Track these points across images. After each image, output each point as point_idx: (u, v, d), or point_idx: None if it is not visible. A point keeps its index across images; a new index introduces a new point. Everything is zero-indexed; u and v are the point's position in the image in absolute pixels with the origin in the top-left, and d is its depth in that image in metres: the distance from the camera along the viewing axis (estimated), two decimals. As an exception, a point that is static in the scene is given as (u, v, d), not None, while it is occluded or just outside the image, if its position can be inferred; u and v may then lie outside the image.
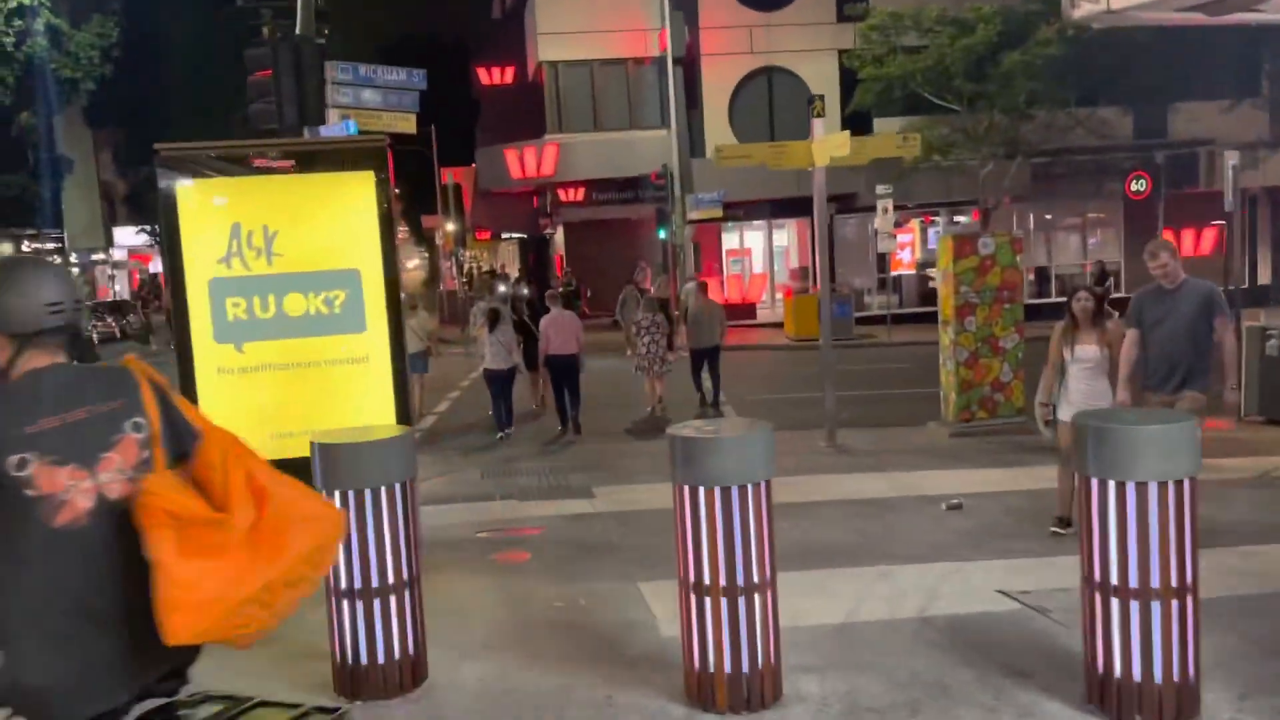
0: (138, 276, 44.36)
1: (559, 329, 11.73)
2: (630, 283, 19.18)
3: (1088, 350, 6.44)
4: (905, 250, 26.25)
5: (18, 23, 29.14)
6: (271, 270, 6.68)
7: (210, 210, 6.66)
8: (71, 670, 2.19)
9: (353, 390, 6.89)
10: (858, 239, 26.54)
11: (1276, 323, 10.88)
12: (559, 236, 29.19)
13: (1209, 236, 27.10)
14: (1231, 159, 13.37)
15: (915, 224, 26.75)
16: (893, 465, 9.11)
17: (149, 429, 2.34)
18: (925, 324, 24.52)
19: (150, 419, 2.34)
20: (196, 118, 30.33)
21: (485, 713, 4.23)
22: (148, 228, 41.56)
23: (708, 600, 3.90)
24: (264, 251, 6.66)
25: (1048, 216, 27.28)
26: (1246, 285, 22.87)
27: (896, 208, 22.06)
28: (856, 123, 22.05)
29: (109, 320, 33.27)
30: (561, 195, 27.02)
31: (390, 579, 4.17)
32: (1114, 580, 3.67)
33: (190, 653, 2.39)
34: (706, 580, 3.89)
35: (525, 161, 26.62)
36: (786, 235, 27.86)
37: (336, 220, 6.82)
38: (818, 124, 10.32)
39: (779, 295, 26.71)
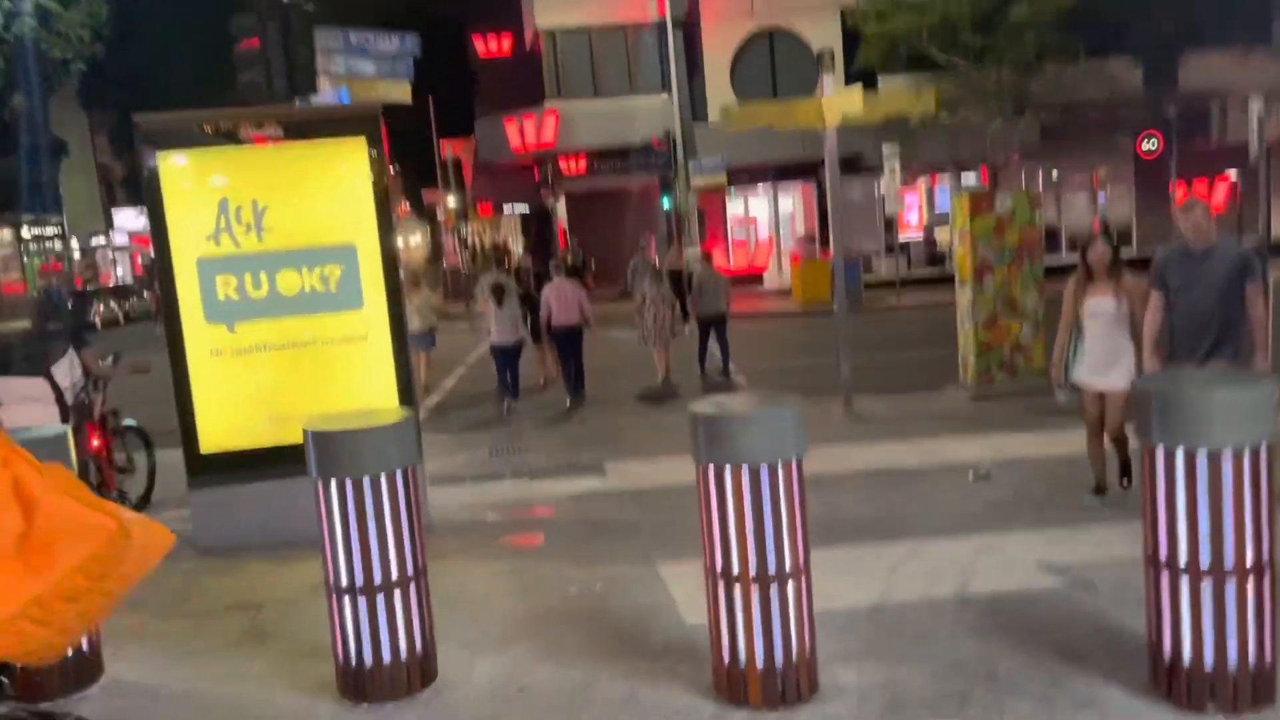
0: (139, 260, 44.01)
1: (561, 298, 11.52)
2: (640, 251, 18.83)
3: (1104, 302, 6.05)
4: (912, 212, 25.80)
5: (6, 4, 28.67)
6: (263, 247, 6.38)
7: (196, 185, 6.34)
8: None
9: (352, 370, 6.60)
10: (864, 202, 26.04)
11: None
12: (561, 208, 28.77)
13: (1221, 189, 26.59)
14: (1257, 106, 12.89)
15: (921, 184, 26.27)
16: (914, 432, 8.79)
17: None
18: (934, 287, 24.14)
19: None
20: (193, 97, 29.87)
21: (500, 715, 3.94)
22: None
23: (737, 589, 3.60)
24: (254, 227, 6.36)
25: (1056, 174, 26.77)
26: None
27: (902, 168, 21.62)
28: (861, 83, 21.52)
29: (113, 305, 33.03)
30: (563, 166, 26.57)
31: (394, 574, 3.88)
32: (1183, 559, 3.36)
33: None
34: (735, 568, 3.59)
35: (525, 132, 26.16)
36: (792, 200, 27.40)
37: (329, 192, 6.50)
38: (827, 80, 9.92)
39: (786, 261, 26.30)
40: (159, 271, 6.37)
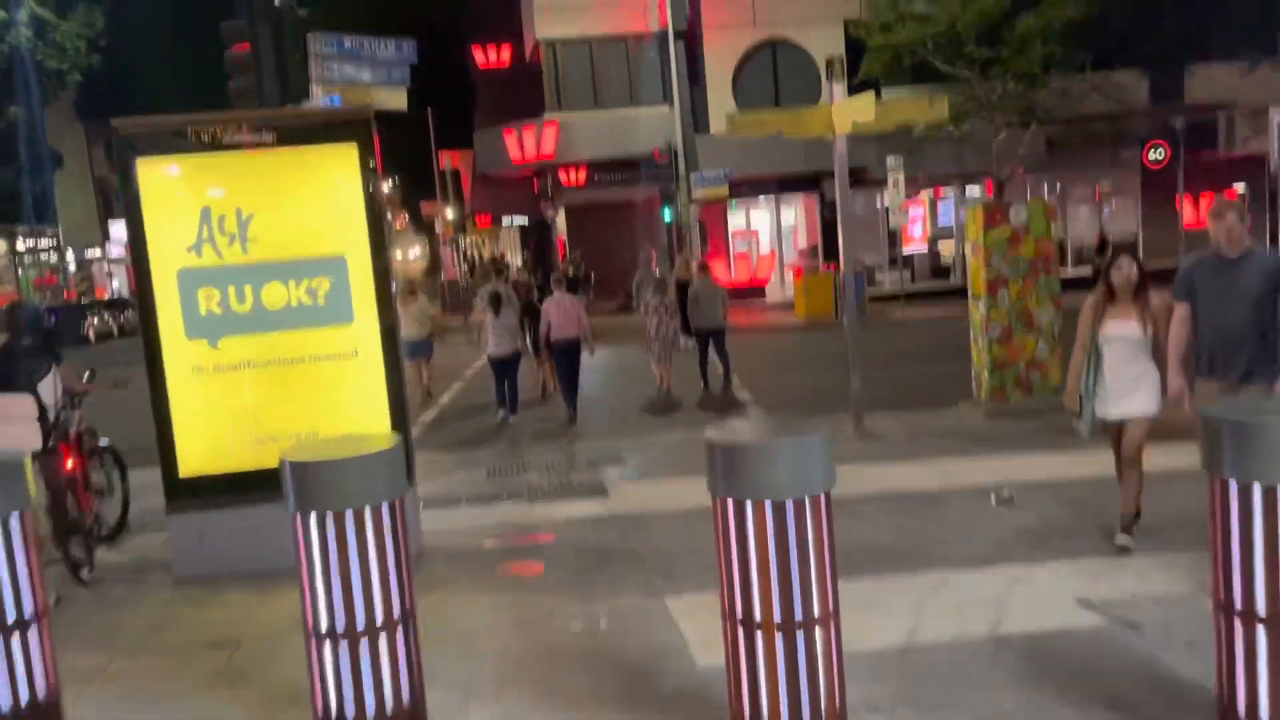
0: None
1: (561, 311, 11.39)
2: (644, 263, 18.59)
3: (1127, 326, 5.49)
4: (916, 225, 25.53)
5: (1, 14, 28.42)
6: (247, 258, 6.04)
7: (177, 193, 6.00)
8: None
9: (342, 388, 6.25)
10: (867, 214, 25.75)
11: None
12: (560, 220, 28.47)
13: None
14: (1277, 116, 12.61)
15: (925, 197, 26.00)
16: (928, 452, 8.45)
17: None
18: (938, 301, 23.90)
19: None
20: (191, 107, 29.61)
21: (496, 770, 3.59)
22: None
23: (759, 637, 3.25)
24: (238, 237, 6.02)
25: (1060, 186, 26.50)
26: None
27: (906, 181, 21.33)
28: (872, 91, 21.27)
29: (107, 318, 32.68)
30: (563, 178, 26.28)
31: (379, 617, 3.52)
32: (1261, 607, 3.01)
33: None
34: (757, 614, 3.23)
35: (525, 143, 25.88)
36: (794, 213, 27.11)
37: (318, 201, 6.17)
38: (837, 89, 9.61)
39: (788, 275, 26.00)
40: (137, 283, 6.02)
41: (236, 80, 9.55)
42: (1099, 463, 6.38)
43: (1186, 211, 24.36)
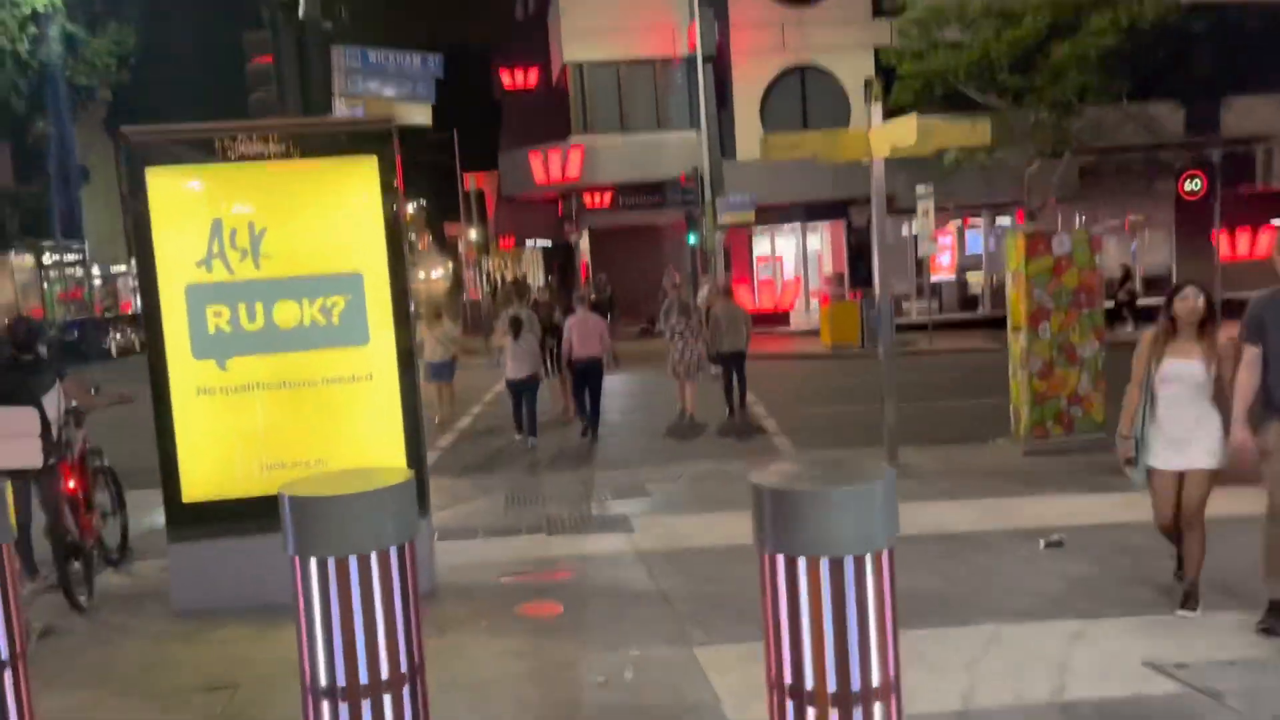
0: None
1: (582, 331, 11.37)
2: (675, 288, 18.42)
3: (1188, 366, 4.94)
4: (945, 254, 25.15)
5: (32, 29, 28.60)
6: (259, 274, 5.75)
7: (186, 205, 5.72)
8: None
9: (355, 414, 5.94)
10: (894, 242, 25.33)
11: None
12: (584, 243, 28.24)
13: (1265, 239, 25.78)
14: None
15: (953, 226, 25.62)
16: (967, 490, 8.05)
17: None
18: (967, 331, 23.46)
19: None
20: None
21: None
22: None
23: (811, 712, 2.87)
24: (250, 252, 5.72)
25: (1092, 217, 26.04)
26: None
27: (935, 209, 20.95)
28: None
29: (130, 333, 32.64)
30: (587, 200, 26.07)
31: (384, 673, 3.16)
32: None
33: None
34: (809, 683, 2.86)
35: (550, 165, 25.71)
36: (820, 239, 26.75)
37: (334, 215, 5.88)
38: (875, 110, 9.28)
39: (814, 302, 25.62)
40: (143, 299, 5.74)
41: (256, 92, 9.33)
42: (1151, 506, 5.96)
43: (1223, 245, 23.86)
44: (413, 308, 6.29)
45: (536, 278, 36.70)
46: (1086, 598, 5.35)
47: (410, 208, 49.54)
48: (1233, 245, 24.66)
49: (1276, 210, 24.04)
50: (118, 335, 32.25)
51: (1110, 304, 20.24)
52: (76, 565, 6.06)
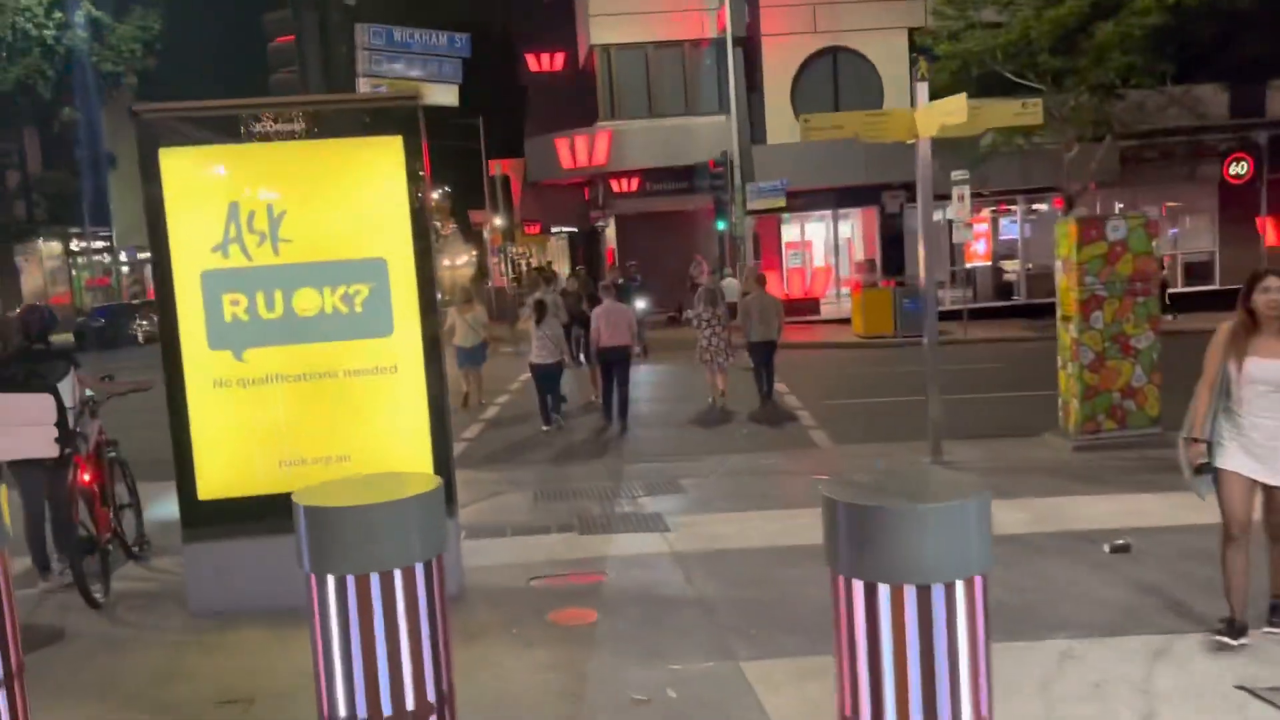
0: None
1: (610, 319, 11.26)
2: (706, 275, 18.12)
3: (1274, 366, 4.45)
4: (981, 241, 24.57)
5: (58, 15, 28.52)
6: (278, 260, 5.44)
7: (202, 187, 5.42)
8: None
9: (379, 407, 5.62)
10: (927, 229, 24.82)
11: None
12: (611, 230, 27.87)
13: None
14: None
15: (988, 213, 25.02)
16: (1019, 489, 7.64)
17: None
18: (1001, 319, 22.92)
19: None
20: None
21: None
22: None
23: (892, 757, 2.53)
24: (269, 237, 5.42)
25: (1135, 202, 25.39)
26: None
27: (971, 195, 20.42)
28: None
29: (154, 320, 32.67)
30: (614, 186, 25.68)
31: (410, 703, 2.85)
32: None
33: None
34: (889, 725, 2.52)
35: (576, 151, 25.35)
36: (851, 226, 26.25)
37: (357, 198, 5.55)
38: (921, 89, 8.88)
39: (844, 290, 25.15)
40: (156, 287, 5.45)
41: (277, 72, 9.04)
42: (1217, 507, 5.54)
43: (1270, 232, 23.20)
44: (440, 295, 5.97)
45: (563, 264, 36.39)
46: (1162, 610, 4.97)
47: (435, 194, 49.35)
48: (1279, 231, 23.97)
49: (1323, 196, 23.35)
50: (144, 322, 32.25)
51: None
52: (93, 560, 5.82)
